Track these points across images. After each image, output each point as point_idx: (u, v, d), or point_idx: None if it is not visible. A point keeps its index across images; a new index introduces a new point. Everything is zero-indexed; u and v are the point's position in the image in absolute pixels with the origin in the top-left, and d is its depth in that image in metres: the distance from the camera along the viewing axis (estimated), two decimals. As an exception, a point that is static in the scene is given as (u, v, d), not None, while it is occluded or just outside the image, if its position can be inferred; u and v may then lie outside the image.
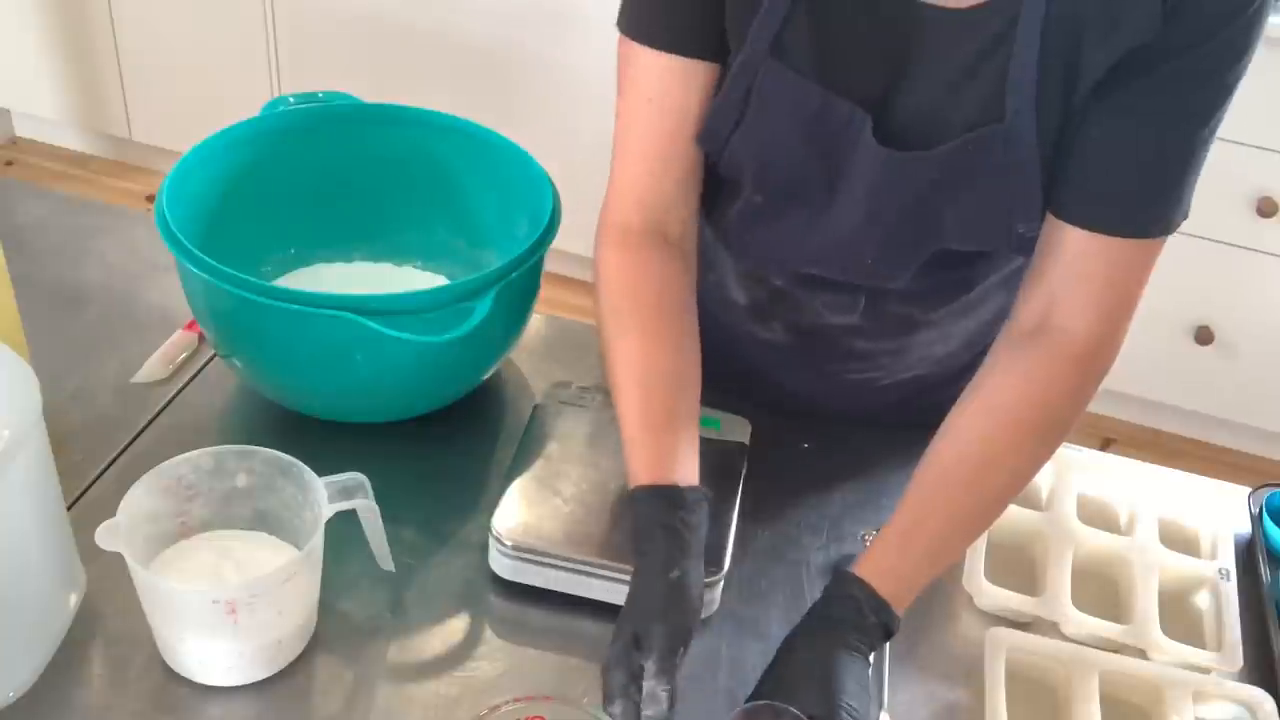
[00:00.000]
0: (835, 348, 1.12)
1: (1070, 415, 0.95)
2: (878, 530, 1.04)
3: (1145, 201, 0.92)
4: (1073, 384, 0.94)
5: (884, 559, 0.90)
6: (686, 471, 0.90)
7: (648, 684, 0.81)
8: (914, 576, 0.90)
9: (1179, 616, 1.01)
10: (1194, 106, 0.89)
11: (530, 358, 1.21)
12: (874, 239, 0.98)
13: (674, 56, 0.95)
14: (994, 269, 1.06)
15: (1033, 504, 1.08)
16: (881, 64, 0.91)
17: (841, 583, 0.89)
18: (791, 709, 0.80)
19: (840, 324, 1.09)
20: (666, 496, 0.87)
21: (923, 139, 0.91)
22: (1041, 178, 0.91)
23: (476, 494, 1.06)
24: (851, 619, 0.87)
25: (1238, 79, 0.88)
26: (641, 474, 0.89)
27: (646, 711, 0.80)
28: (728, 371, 1.17)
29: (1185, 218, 0.93)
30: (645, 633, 0.82)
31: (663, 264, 0.99)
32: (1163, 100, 0.88)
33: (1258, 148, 2.21)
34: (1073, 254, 0.93)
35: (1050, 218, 0.94)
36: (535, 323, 1.19)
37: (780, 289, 1.09)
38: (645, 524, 0.87)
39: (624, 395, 0.92)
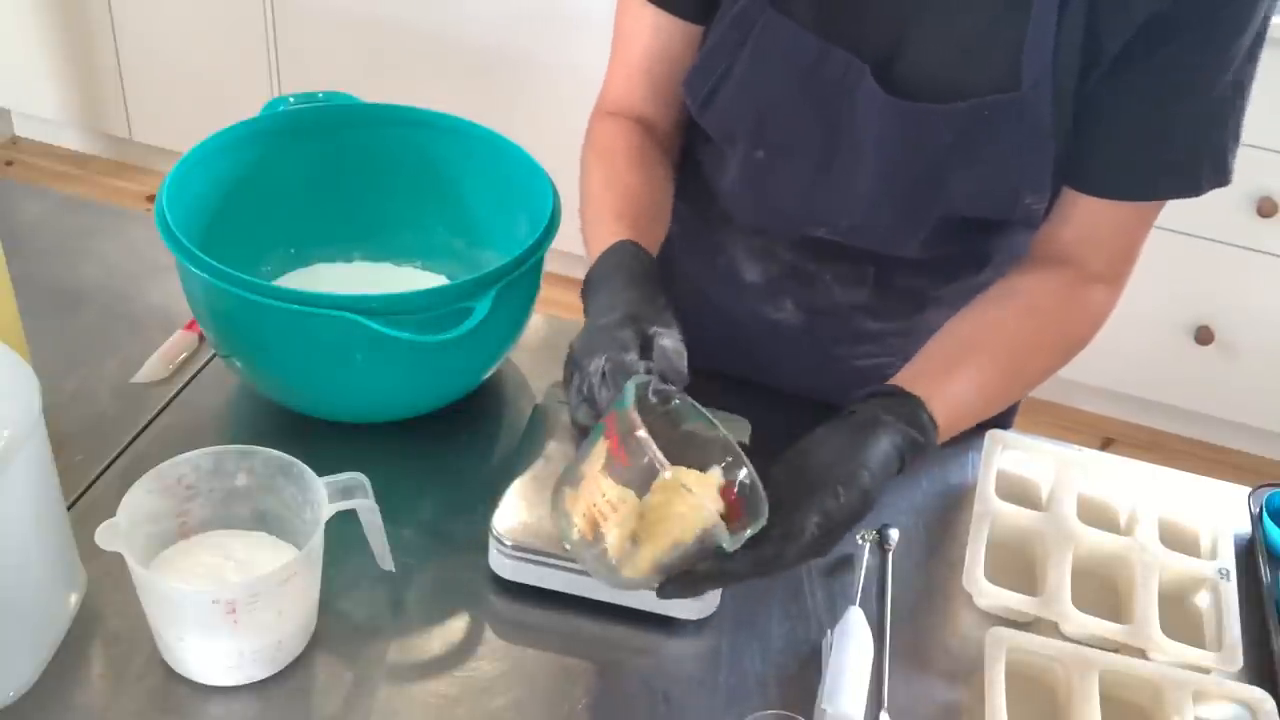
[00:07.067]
0: (845, 328, 1.12)
1: (1090, 337, 1.00)
2: (877, 531, 1.04)
3: (1160, 169, 0.94)
4: (1097, 309, 0.99)
5: (922, 380, 0.90)
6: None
7: (665, 343, 0.83)
8: (951, 404, 0.90)
9: (1179, 616, 1.01)
10: (1200, 77, 0.90)
11: (530, 358, 1.21)
12: (884, 198, 0.98)
13: (653, 7, 0.99)
14: (1005, 242, 1.06)
15: (1033, 504, 1.08)
16: (888, 20, 0.91)
17: (878, 389, 0.90)
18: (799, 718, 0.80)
19: (850, 301, 1.09)
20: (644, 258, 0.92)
21: (937, 98, 0.92)
22: (1055, 151, 0.92)
23: (476, 494, 1.05)
24: (889, 407, 0.87)
25: (1240, 50, 0.89)
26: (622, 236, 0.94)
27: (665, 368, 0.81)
28: (731, 365, 1.17)
29: (1225, 179, 0.96)
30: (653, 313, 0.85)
31: (646, 137, 1.05)
32: (1173, 73, 0.89)
33: (1258, 148, 2.20)
34: (1088, 219, 0.97)
35: (1064, 189, 0.96)
36: (535, 323, 1.19)
37: (790, 262, 1.09)
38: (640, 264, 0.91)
39: (605, 196, 0.99)
